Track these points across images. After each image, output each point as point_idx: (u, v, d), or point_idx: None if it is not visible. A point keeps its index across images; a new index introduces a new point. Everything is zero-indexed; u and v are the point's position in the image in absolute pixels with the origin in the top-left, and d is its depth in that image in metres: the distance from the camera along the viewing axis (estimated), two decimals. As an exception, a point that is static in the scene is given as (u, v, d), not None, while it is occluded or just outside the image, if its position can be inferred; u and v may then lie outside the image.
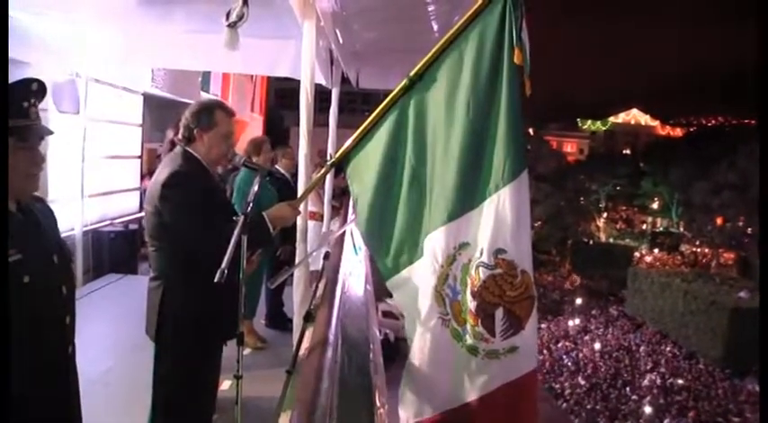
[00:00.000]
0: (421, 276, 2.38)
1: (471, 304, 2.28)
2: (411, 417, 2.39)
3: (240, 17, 3.03)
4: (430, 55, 2.38)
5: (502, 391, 2.33)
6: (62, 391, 1.83)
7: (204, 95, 10.64)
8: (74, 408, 1.92)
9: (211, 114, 2.64)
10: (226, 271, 1.99)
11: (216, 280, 1.94)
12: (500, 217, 2.25)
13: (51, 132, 1.81)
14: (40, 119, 1.77)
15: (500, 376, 2.33)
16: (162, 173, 2.56)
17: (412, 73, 2.39)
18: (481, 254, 2.26)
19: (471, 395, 2.33)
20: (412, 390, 2.41)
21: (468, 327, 2.31)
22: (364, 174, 2.48)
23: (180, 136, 2.67)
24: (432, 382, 2.38)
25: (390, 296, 2.58)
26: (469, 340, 2.31)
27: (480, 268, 2.26)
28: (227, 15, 3.04)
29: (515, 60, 2.22)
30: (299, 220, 3.12)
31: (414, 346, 2.40)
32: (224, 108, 2.74)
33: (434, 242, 2.34)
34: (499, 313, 2.28)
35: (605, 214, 44.29)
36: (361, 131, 2.49)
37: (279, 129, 27.07)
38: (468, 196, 2.31)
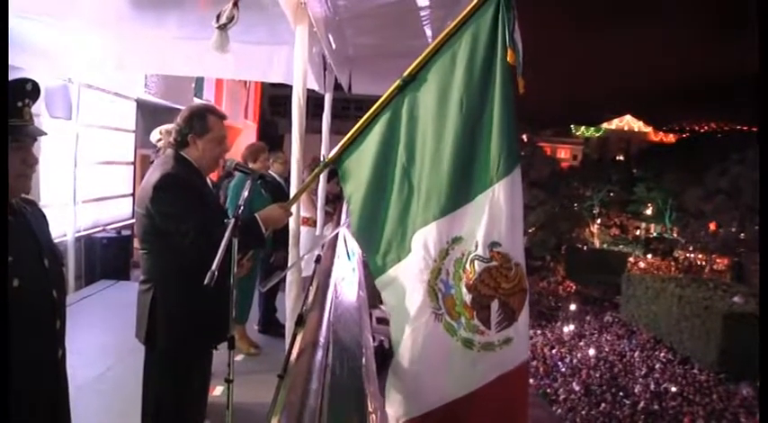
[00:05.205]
0: (409, 274, 2.39)
1: (467, 297, 2.31)
2: (402, 415, 2.39)
3: (230, 19, 3.03)
4: (423, 56, 2.42)
5: (497, 382, 2.36)
6: (51, 396, 1.82)
7: (197, 102, 10.62)
8: (63, 412, 1.91)
9: (204, 119, 2.64)
10: (216, 273, 1.98)
11: (206, 282, 1.93)
12: (495, 211, 2.29)
13: (44, 133, 1.82)
14: (33, 120, 1.77)
15: (496, 368, 2.36)
16: (153, 175, 2.56)
17: (405, 73, 2.43)
18: (476, 247, 2.30)
19: (468, 388, 2.36)
20: (400, 388, 2.41)
21: (463, 320, 2.33)
22: (357, 173, 2.50)
23: (172, 140, 2.67)
24: (424, 380, 2.39)
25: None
26: (464, 333, 2.33)
27: (476, 261, 2.30)
28: (218, 17, 3.04)
29: (508, 60, 2.26)
30: (292, 225, 3.11)
31: (403, 344, 2.39)
32: (215, 112, 2.74)
33: (426, 237, 2.36)
34: (495, 305, 2.32)
35: (599, 220, 44.39)
36: (354, 132, 2.51)
37: (273, 136, 27.07)
38: (462, 191, 2.35)
